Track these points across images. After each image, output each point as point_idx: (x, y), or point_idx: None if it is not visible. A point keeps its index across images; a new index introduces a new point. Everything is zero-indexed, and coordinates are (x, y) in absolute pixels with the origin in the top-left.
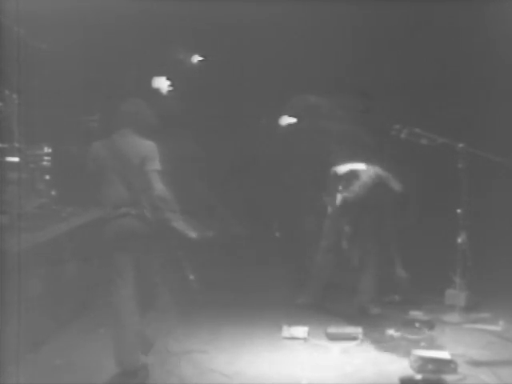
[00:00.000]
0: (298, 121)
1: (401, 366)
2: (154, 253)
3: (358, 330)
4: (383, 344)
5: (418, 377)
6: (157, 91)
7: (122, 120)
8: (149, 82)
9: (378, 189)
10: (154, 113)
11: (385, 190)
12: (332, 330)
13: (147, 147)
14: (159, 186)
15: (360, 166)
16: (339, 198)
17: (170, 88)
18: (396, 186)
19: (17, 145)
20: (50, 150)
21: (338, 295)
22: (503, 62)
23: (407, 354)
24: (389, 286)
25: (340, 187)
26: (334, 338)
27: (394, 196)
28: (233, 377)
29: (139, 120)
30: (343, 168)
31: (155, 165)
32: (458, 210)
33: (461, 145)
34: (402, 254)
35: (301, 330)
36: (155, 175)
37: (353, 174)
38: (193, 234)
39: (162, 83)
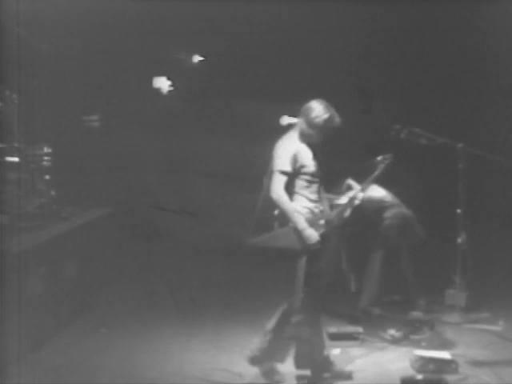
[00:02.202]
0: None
1: (402, 366)
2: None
3: (358, 330)
4: (384, 344)
5: (419, 377)
6: (157, 91)
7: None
8: (149, 82)
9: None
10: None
11: (407, 231)
12: (333, 330)
13: (279, 145)
14: (272, 188)
15: (381, 195)
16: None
17: (171, 88)
18: (420, 231)
19: (17, 145)
20: (49, 150)
21: (339, 296)
22: (503, 61)
23: (408, 354)
24: (388, 287)
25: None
26: (334, 338)
27: (414, 238)
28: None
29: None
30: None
31: (277, 164)
32: (458, 210)
33: (461, 145)
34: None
35: None
36: (275, 175)
37: (370, 200)
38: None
39: (163, 83)
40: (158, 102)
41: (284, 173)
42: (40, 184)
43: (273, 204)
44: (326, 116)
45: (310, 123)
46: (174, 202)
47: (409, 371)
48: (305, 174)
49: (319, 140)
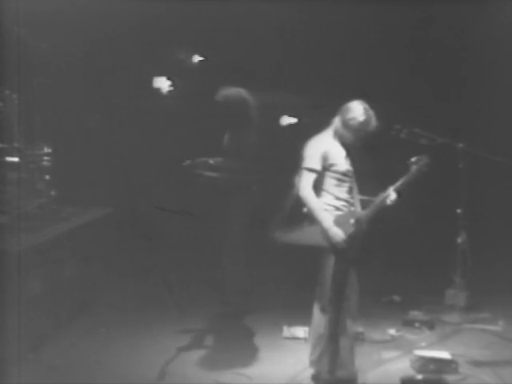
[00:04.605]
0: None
1: (402, 366)
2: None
3: (358, 330)
4: (384, 344)
5: (419, 377)
6: (157, 91)
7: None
8: (149, 82)
9: None
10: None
11: None
12: None
13: (311, 142)
14: (300, 185)
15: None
16: None
17: (171, 88)
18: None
19: (17, 145)
20: (49, 150)
21: None
22: (503, 61)
23: (408, 354)
24: (388, 287)
25: None
26: None
27: None
28: (255, 378)
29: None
30: None
31: (306, 162)
32: (458, 210)
33: (461, 145)
34: None
35: (301, 330)
36: (303, 173)
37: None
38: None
39: (163, 83)
40: (158, 102)
41: (312, 170)
42: (40, 184)
43: (302, 202)
44: (361, 119)
45: (345, 124)
46: (173, 202)
47: (409, 371)
48: (335, 172)
49: (353, 141)
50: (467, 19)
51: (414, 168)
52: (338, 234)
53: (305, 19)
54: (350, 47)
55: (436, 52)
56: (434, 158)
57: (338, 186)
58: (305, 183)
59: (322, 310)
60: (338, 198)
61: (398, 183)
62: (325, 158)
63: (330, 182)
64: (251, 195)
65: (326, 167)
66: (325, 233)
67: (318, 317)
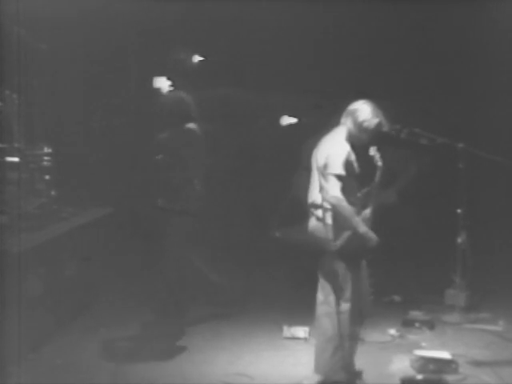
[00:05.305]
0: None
1: (402, 366)
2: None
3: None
4: (384, 344)
5: (419, 377)
6: (157, 91)
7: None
8: (149, 82)
9: None
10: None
11: None
12: None
13: (333, 148)
14: (331, 193)
15: None
16: None
17: (171, 88)
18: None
19: (17, 145)
20: (49, 150)
21: None
22: (503, 61)
23: (408, 354)
24: (388, 287)
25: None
26: None
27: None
28: (255, 378)
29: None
30: None
31: (333, 168)
32: (458, 210)
33: (461, 145)
34: None
35: (301, 330)
36: (331, 179)
37: None
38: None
39: (163, 83)
40: (158, 102)
41: (340, 176)
42: (40, 184)
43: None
44: (376, 121)
45: (360, 127)
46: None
47: (409, 371)
48: (351, 176)
49: (366, 142)
50: (467, 19)
51: (376, 159)
52: (374, 237)
53: (305, 19)
54: (350, 47)
55: (436, 51)
56: (434, 157)
57: (350, 189)
58: (335, 190)
59: (334, 313)
60: (349, 202)
61: (377, 178)
62: (346, 163)
63: (344, 187)
64: (195, 195)
65: (349, 172)
66: (360, 238)
67: (327, 320)
